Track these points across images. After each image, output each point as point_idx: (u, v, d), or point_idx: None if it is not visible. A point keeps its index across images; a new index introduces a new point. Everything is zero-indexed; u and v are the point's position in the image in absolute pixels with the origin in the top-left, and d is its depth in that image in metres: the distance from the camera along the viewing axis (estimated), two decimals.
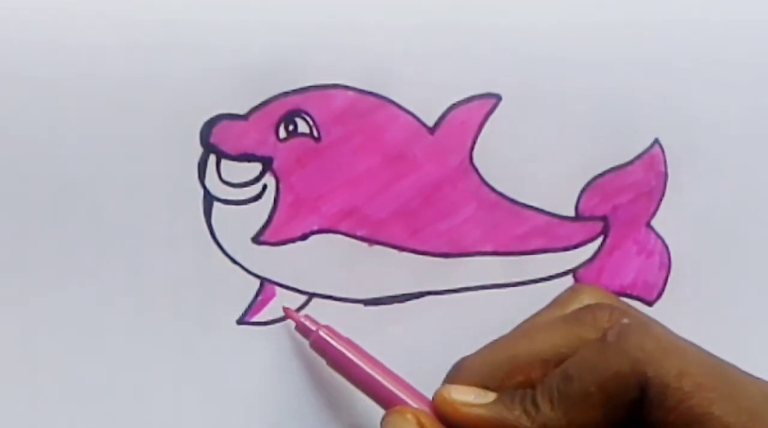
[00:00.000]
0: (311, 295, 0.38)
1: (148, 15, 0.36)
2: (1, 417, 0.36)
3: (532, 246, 0.38)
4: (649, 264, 0.39)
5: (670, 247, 0.39)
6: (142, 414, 0.37)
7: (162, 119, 0.36)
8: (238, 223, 0.37)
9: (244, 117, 0.37)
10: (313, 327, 0.36)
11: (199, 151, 0.37)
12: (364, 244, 0.38)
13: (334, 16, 0.37)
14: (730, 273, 0.39)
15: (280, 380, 0.37)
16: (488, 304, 0.38)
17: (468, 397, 0.32)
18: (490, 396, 0.32)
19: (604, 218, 0.39)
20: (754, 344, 0.39)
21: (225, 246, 0.37)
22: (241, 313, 0.37)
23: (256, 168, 0.37)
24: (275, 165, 0.37)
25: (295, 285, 0.37)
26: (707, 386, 0.30)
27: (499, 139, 0.38)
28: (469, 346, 0.34)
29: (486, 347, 0.34)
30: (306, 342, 0.36)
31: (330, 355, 0.35)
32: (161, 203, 0.37)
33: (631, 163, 0.38)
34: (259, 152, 0.37)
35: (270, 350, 0.37)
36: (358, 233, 0.38)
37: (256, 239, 0.37)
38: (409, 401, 0.34)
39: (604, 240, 0.39)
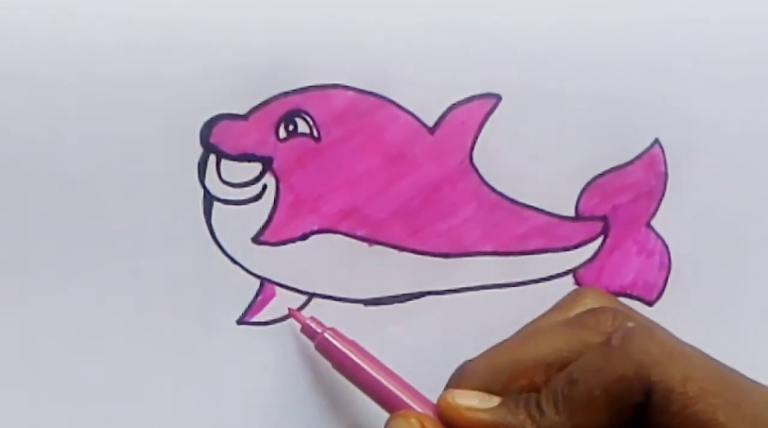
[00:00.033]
0: (311, 295, 0.38)
1: (148, 15, 0.36)
2: (1, 417, 0.36)
3: (532, 246, 0.38)
4: (649, 265, 0.39)
5: (670, 247, 0.39)
6: (142, 414, 0.37)
7: (162, 119, 0.36)
8: (238, 223, 0.37)
9: (244, 117, 0.37)
10: (319, 330, 0.36)
11: (199, 151, 0.37)
12: (364, 244, 0.38)
13: (334, 16, 0.37)
14: (730, 273, 0.39)
15: (281, 380, 0.37)
16: (488, 304, 0.38)
17: (472, 402, 0.32)
18: (495, 401, 0.32)
19: (604, 218, 0.39)
20: (754, 344, 0.39)
21: (225, 246, 0.37)
22: (241, 313, 0.37)
23: (256, 168, 0.37)
24: (275, 165, 0.37)
25: (295, 285, 0.37)
26: (712, 391, 0.30)
27: (499, 139, 0.38)
28: (469, 346, 0.34)
29: (489, 351, 0.34)
30: (308, 343, 0.36)
31: (335, 357, 0.35)
32: (161, 203, 0.37)
33: (631, 163, 0.38)
34: (259, 152, 0.37)
35: (270, 350, 0.37)
36: (358, 233, 0.38)
37: (256, 239, 0.37)
38: (414, 405, 0.34)
39: (604, 240, 0.39)
